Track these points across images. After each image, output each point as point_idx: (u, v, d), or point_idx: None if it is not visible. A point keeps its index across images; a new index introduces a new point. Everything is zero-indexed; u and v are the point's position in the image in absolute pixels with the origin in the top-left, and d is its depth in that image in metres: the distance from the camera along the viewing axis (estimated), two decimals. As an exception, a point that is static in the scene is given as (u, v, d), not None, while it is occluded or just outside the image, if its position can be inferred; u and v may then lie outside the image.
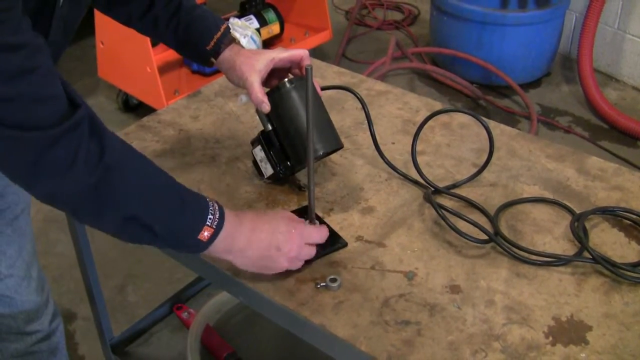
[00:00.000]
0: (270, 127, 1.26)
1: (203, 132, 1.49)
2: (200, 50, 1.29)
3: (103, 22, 2.99)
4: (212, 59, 1.30)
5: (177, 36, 1.30)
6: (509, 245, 1.16)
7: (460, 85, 3.34)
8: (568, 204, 1.27)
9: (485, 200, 1.29)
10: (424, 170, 1.32)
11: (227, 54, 1.28)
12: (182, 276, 2.21)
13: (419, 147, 1.36)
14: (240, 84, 1.25)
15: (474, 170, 1.35)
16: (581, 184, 1.33)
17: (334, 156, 1.39)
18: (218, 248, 1.04)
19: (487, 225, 1.21)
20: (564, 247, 1.19)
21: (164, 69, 3.07)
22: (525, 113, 3.18)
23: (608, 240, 1.20)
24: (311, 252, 1.13)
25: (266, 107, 1.22)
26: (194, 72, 3.17)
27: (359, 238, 1.20)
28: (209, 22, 1.29)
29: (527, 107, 3.17)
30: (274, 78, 1.27)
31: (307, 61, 1.25)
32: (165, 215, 1.01)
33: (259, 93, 1.21)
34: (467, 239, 1.17)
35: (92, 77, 3.34)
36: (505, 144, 1.44)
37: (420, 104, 1.58)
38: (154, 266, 2.37)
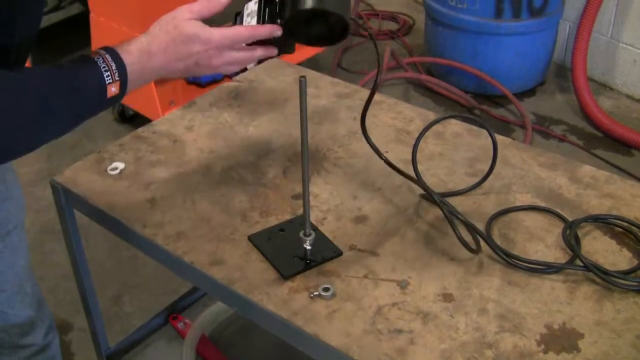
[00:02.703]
0: None
1: (198, 143, 1.50)
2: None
3: (99, 32, 3.00)
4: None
5: None
6: (502, 254, 1.17)
7: (455, 95, 3.35)
8: (560, 212, 1.28)
9: (478, 208, 1.29)
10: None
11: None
12: (178, 286, 2.21)
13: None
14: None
15: (467, 179, 1.36)
16: (573, 192, 1.34)
17: (327, 165, 1.40)
18: (135, 87, 1.06)
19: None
20: (556, 255, 1.19)
21: (160, 79, 3.08)
22: (520, 122, 3.19)
23: (600, 248, 1.21)
24: (244, 56, 1.07)
25: None
26: (189, 82, 3.17)
27: (352, 247, 1.21)
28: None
29: (521, 116, 3.19)
30: None
31: None
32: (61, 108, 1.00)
33: None
34: (463, 245, 1.17)
35: (88, 88, 3.34)
36: (499, 153, 1.44)
37: (414, 113, 1.59)
38: (150, 276, 2.37)
